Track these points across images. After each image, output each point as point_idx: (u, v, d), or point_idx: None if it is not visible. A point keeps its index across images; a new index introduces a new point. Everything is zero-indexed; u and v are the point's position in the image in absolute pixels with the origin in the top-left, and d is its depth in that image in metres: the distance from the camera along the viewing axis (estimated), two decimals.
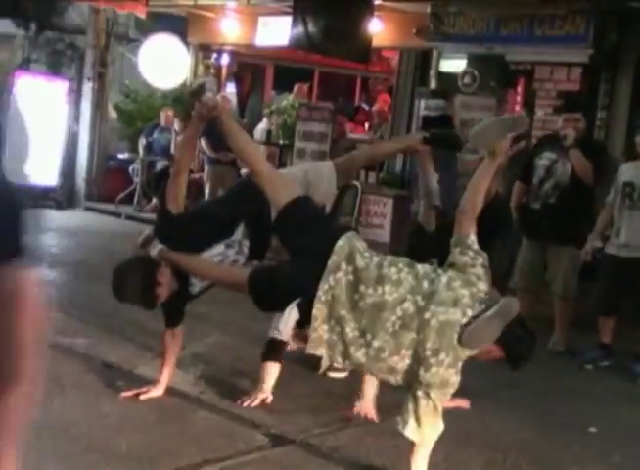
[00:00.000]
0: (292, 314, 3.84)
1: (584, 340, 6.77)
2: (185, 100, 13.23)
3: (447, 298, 3.63)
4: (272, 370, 4.72)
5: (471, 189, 3.96)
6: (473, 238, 3.84)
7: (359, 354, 3.67)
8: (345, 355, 3.71)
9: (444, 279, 3.69)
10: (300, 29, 9.93)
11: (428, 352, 3.56)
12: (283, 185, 4.11)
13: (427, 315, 3.59)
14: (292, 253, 4.02)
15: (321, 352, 3.74)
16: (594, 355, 6.45)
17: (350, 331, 3.67)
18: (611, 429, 5.05)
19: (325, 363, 3.90)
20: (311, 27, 9.88)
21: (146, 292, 4.40)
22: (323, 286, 3.70)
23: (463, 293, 3.65)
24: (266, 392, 4.72)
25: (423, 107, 9.77)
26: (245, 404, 4.66)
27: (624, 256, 6.32)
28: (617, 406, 5.54)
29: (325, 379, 4.38)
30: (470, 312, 3.61)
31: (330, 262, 3.71)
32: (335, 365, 4.03)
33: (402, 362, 3.62)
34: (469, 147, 3.96)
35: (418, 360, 3.58)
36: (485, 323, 3.55)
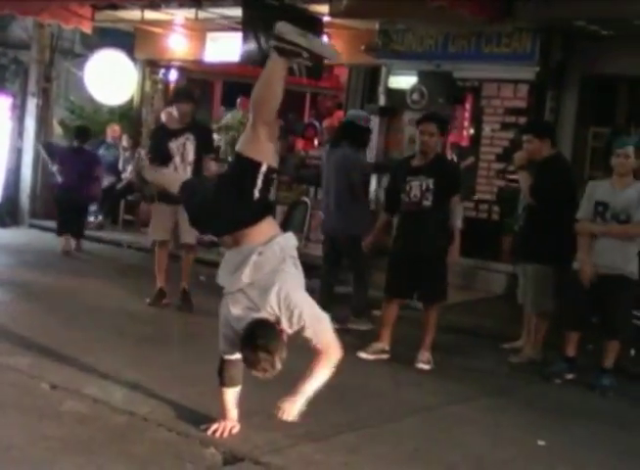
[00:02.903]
0: None
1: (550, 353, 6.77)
2: (133, 115, 13.12)
3: None
4: (231, 397, 4.55)
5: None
6: None
7: None
8: None
9: None
10: (252, 46, 9.90)
11: None
12: None
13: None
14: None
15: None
16: (559, 369, 6.45)
17: None
18: (560, 442, 5.06)
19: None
20: (263, 43, 9.85)
21: None
22: None
23: None
24: (232, 420, 4.57)
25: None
26: (210, 432, 4.48)
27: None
28: (569, 419, 5.54)
29: (274, 396, 4.30)
30: None
31: None
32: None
33: None
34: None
35: None
36: None
